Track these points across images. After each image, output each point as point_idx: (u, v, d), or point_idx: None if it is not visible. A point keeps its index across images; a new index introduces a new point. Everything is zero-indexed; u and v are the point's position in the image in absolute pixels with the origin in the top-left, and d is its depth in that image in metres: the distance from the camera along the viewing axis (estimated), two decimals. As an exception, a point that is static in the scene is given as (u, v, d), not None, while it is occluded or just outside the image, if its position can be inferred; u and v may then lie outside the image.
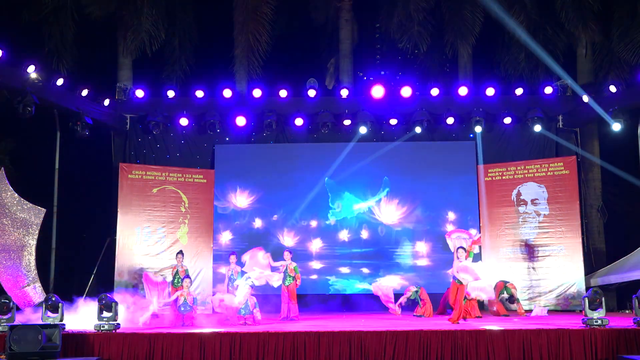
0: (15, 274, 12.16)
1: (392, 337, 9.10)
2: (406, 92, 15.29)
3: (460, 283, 10.95)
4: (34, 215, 12.59)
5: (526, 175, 15.08)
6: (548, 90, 15.30)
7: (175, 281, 12.44)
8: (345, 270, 15.22)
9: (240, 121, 15.28)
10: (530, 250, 14.56)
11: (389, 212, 15.35)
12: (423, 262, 15.08)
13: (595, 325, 9.26)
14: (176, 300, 11.45)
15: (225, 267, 12.98)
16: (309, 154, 15.57)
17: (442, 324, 10.72)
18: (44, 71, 13.46)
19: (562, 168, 14.85)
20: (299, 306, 12.46)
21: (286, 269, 12.39)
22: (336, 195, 15.44)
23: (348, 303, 14.78)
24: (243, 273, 12.74)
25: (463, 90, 15.34)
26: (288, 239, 15.19)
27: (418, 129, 15.10)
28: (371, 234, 15.33)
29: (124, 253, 14.56)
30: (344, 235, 15.35)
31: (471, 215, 15.24)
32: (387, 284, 13.81)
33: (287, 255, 12.54)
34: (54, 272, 13.96)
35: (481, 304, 13.35)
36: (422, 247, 15.14)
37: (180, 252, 12.90)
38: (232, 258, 12.67)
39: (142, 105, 15.48)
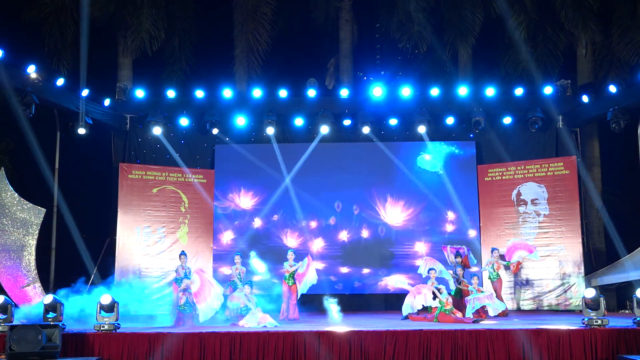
0: (15, 274, 12.16)
1: (392, 337, 9.10)
2: (406, 92, 15.29)
3: None
4: (34, 215, 12.59)
5: (526, 175, 15.08)
6: (548, 90, 15.30)
7: (179, 281, 12.41)
8: (345, 270, 15.23)
9: (240, 121, 15.29)
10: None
11: (394, 213, 15.35)
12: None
13: (595, 325, 9.25)
14: (177, 300, 11.45)
15: (229, 268, 12.98)
16: (309, 154, 15.55)
17: (442, 324, 10.73)
18: (44, 71, 13.46)
19: (562, 168, 14.85)
20: (299, 306, 12.46)
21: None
22: None
23: (348, 303, 14.76)
24: (248, 273, 12.74)
25: (463, 90, 15.34)
26: (292, 240, 15.19)
27: (421, 129, 15.10)
28: (372, 234, 15.33)
29: (124, 253, 14.56)
30: (344, 235, 15.36)
31: (471, 215, 15.25)
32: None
33: (290, 255, 12.55)
34: (54, 272, 13.96)
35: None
36: (422, 247, 15.14)
37: (183, 252, 12.90)
38: (237, 258, 12.68)
39: (142, 105, 15.48)
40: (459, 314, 11.56)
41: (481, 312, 11.90)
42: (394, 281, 14.97)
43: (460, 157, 15.47)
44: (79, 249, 15.77)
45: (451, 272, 12.83)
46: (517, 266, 13.52)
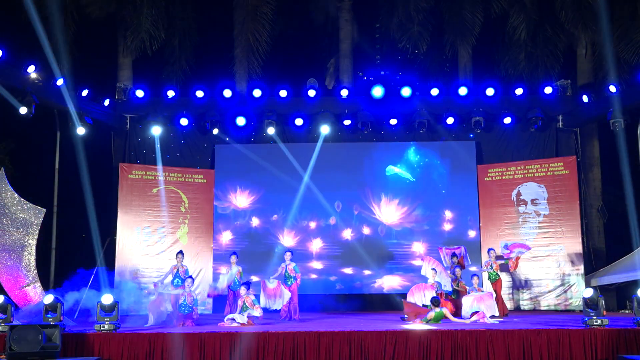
0: (15, 274, 12.15)
1: (392, 337, 9.10)
2: (406, 92, 15.30)
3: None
4: (34, 215, 12.58)
5: (526, 175, 15.08)
6: (548, 90, 15.30)
7: (175, 281, 12.41)
8: (345, 270, 15.22)
9: (240, 121, 15.29)
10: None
11: (389, 212, 15.35)
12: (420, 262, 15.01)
13: (595, 325, 9.25)
14: (177, 300, 11.45)
15: (225, 267, 12.98)
16: (309, 154, 15.55)
17: (442, 324, 10.73)
18: (44, 71, 13.47)
19: (562, 168, 14.85)
20: (299, 306, 12.46)
21: (286, 269, 12.40)
22: None
23: (348, 303, 14.77)
24: (245, 274, 12.73)
25: (463, 90, 15.34)
26: (288, 239, 15.19)
27: (420, 129, 15.09)
28: (371, 233, 15.33)
29: (124, 253, 14.57)
30: (344, 235, 15.35)
31: (471, 216, 15.24)
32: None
33: (287, 255, 12.55)
34: (54, 272, 13.96)
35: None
36: (420, 247, 15.13)
37: (180, 252, 12.88)
38: (233, 258, 12.66)
39: (142, 105, 15.48)
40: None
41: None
42: (388, 283, 15.02)
43: (460, 157, 15.45)
44: (79, 249, 15.82)
45: (449, 272, 12.83)
46: (517, 261, 13.46)
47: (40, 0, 15.47)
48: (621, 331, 9.04)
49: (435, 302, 11.18)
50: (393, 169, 15.46)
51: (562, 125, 15.45)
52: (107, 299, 9.65)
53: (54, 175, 14.48)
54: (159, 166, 15.07)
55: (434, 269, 12.52)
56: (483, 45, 17.12)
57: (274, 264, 13.46)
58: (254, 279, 13.38)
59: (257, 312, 11.19)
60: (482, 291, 12.24)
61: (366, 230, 15.34)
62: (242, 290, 11.39)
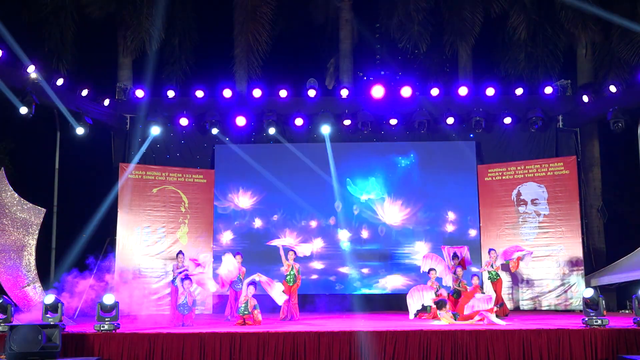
0: (15, 274, 12.13)
1: (392, 337, 9.10)
2: (406, 92, 15.29)
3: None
4: (34, 215, 12.56)
5: (526, 175, 15.09)
6: (548, 90, 15.31)
7: (176, 281, 12.40)
8: (345, 270, 15.22)
9: (240, 121, 15.29)
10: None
11: (392, 212, 15.35)
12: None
13: (595, 325, 9.25)
14: (176, 300, 11.45)
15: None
16: (309, 154, 15.55)
17: (442, 324, 10.73)
18: (44, 71, 13.47)
19: (562, 168, 14.85)
20: (299, 306, 12.46)
21: (292, 269, 12.39)
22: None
23: (348, 303, 14.77)
24: (248, 274, 12.72)
25: (463, 90, 15.34)
26: (290, 240, 15.16)
27: (421, 129, 15.10)
28: (371, 234, 15.34)
29: (124, 253, 14.56)
30: (344, 235, 15.35)
31: (471, 216, 15.25)
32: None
33: (290, 255, 12.55)
34: (54, 272, 13.96)
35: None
36: (422, 247, 15.13)
37: (181, 252, 12.88)
38: (238, 258, 12.66)
39: (142, 105, 15.47)
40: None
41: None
42: (388, 283, 15.02)
43: (460, 157, 15.44)
44: (79, 249, 15.80)
45: (449, 271, 12.81)
46: (517, 262, 13.43)
47: (40, 0, 15.59)
48: (621, 331, 9.04)
49: (441, 303, 11.18)
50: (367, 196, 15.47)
51: (562, 125, 15.45)
52: (108, 299, 9.65)
53: (54, 175, 14.48)
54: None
55: (433, 268, 12.52)
56: (483, 45, 17.13)
57: (274, 264, 13.44)
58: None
59: (258, 316, 11.07)
60: (483, 292, 12.23)
61: (366, 231, 15.34)
62: (251, 289, 11.29)
